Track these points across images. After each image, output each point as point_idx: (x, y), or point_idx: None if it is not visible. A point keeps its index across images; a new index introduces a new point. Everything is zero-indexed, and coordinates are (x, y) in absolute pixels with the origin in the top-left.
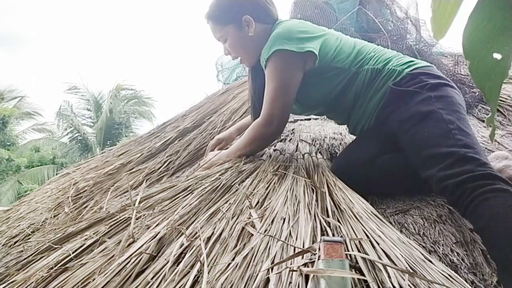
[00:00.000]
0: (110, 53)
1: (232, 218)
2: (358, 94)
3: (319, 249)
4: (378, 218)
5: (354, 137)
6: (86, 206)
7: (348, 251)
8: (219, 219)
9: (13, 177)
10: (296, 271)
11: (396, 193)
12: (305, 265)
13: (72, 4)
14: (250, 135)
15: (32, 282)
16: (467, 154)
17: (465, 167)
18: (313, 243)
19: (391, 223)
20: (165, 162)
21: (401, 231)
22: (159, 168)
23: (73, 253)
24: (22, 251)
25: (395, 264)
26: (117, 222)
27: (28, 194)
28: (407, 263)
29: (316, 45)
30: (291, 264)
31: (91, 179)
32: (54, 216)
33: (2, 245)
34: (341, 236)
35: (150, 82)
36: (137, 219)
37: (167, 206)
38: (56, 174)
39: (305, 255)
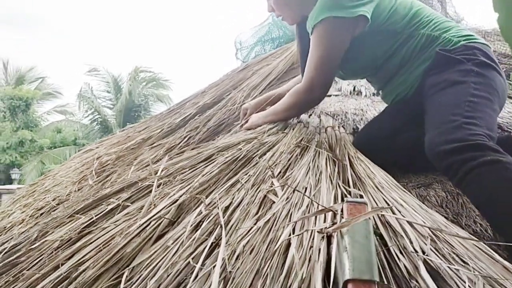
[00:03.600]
0: (129, 34)
1: (252, 187)
2: (406, 59)
3: (342, 210)
4: (400, 188)
5: (375, 113)
6: (109, 179)
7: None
8: (238, 190)
9: (37, 157)
10: (319, 232)
11: (417, 171)
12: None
13: None
14: (290, 100)
15: (57, 242)
16: (464, 123)
17: (456, 135)
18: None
19: (411, 193)
20: (185, 137)
21: (423, 203)
22: (179, 143)
23: (96, 216)
24: (49, 220)
25: (418, 231)
26: (139, 189)
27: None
28: (430, 230)
29: (369, 9)
30: (312, 226)
31: (114, 153)
32: (79, 189)
33: (30, 217)
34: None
35: (168, 64)
36: (158, 186)
37: (187, 176)
38: None
39: (327, 220)
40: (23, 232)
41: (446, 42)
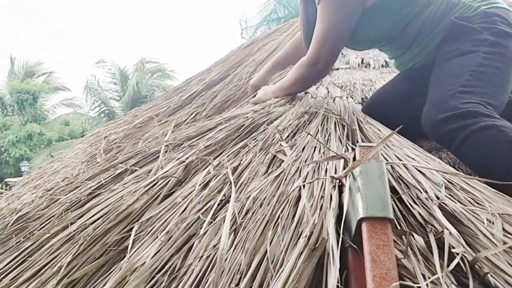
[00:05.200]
0: (133, 25)
1: (261, 151)
2: (424, 28)
3: (355, 157)
4: (411, 145)
5: (384, 83)
6: (118, 158)
7: None
8: (246, 152)
9: (45, 150)
10: (332, 177)
11: (428, 137)
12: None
13: None
14: (295, 74)
15: (66, 204)
16: (458, 92)
17: (448, 105)
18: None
19: None
20: (192, 113)
21: None
22: (186, 120)
23: (104, 180)
24: (59, 198)
25: (431, 180)
26: (147, 155)
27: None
28: (444, 178)
29: None
30: (324, 176)
31: (121, 132)
32: (87, 169)
33: (39, 197)
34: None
35: (173, 54)
36: (165, 152)
37: (194, 142)
38: None
39: (338, 170)
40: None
41: (466, 8)
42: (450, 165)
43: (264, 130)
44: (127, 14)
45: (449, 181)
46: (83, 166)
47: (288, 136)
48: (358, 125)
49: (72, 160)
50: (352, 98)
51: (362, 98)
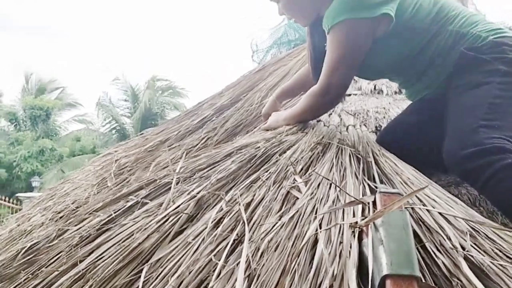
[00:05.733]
0: (145, 43)
1: (274, 184)
2: (433, 58)
3: (374, 202)
4: (431, 184)
5: (398, 111)
6: (128, 181)
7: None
8: (259, 186)
9: (57, 166)
10: (351, 225)
11: (446, 171)
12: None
13: None
14: (306, 102)
15: (75, 239)
16: (480, 126)
17: (471, 140)
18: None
19: None
20: (203, 138)
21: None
22: (197, 144)
23: (114, 213)
24: (68, 221)
25: (455, 226)
26: (158, 186)
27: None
28: (468, 224)
29: (393, 7)
30: (341, 221)
31: (132, 155)
32: (98, 192)
33: (49, 220)
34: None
35: (183, 72)
36: (176, 184)
37: (206, 173)
38: None
39: (356, 214)
40: (42, 234)
41: (474, 39)
42: (471, 202)
43: (276, 161)
44: (140, 32)
45: (473, 228)
46: (93, 189)
47: (301, 169)
48: (374, 157)
49: (83, 182)
50: (365, 126)
51: (376, 127)
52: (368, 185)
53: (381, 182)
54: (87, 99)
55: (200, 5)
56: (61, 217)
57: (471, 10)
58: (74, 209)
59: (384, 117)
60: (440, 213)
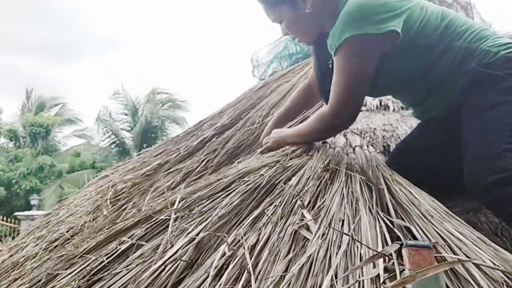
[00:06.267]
0: (144, 55)
1: (280, 220)
2: (443, 76)
3: (402, 256)
4: (452, 217)
5: (406, 129)
6: (124, 208)
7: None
8: (264, 224)
9: (56, 182)
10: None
11: (463, 194)
12: (378, 276)
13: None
14: (315, 124)
15: None
16: (505, 150)
17: (497, 165)
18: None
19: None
20: (203, 161)
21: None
22: (197, 168)
23: (107, 259)
24: (62, 255)
25: (488, 275)
26: (154, 224)
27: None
28: (504, 274)
29: (399, 22)
30: (360, 276)
31: (129, 180)
32: (93, 219)
33: (43, 250)
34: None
35: (185, 85)
36: (174, 220)
37: (206, 207)
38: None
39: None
40: (35, 267)
41: (485, 54)
42: (492, 232)
43: (281, 190)
44: (141, 44)
45: (508, 277)
46: (89, 217)
47: (309, 202)
48: (386, 184)
49: (78, 208)
50: (373, 147)
51: (383, 146)
52: (384, 221)
53: (397, 214)
54: (88, 114)
55: (200, 5)
56: (55, 247)
57: (476, 20)
58: (69, 238)
59: (392, 136)
60: (471, 261)
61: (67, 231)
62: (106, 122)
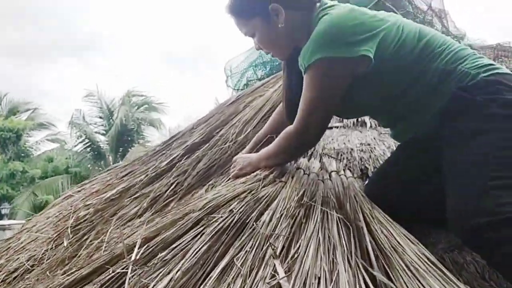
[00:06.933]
0: (122, 57)
1: (251, 273)
2: (420, 98)
3: None
4: (438, 268)
5: (384, 148)
6: (87, 238)
7: None
8: (233, 278)
9: (28, 188)
10: None
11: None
12: None
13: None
14: (282, 144)
15: None
16: (491, 188)
17: (482, 205)
18: None
19: (444, 260)
20: (172, 184)
21: (460, 275)
22: (165, 191)
23: None
24: None
25: None
26: (111, 278)
27: (43, 205)
28: None
29: (372, 46)
30: None
31: (92, 206)
32: (55, 247)
33: (1, 282)
34: None
35: (161, 87)
36: (132, 276)
37: (170, 253)
38: (70, 183)
39: None
40: None
41: (463, 76)
42: (479, 275)
43: (252, 230)
44: (119, 45)
45: None
46: (50, 245)
47: (282, 248)
48: (365, 220)
49: (39, 234)
50: (350, 171)
51: (361, 169)
52: (365, 274)
53: (378, 261)
54: (62, 118)
55: (179, 5)
56: (15, 278)
57: (451, 28)
58: (29, 269)
59: (370, 157)
60: None
61: (27, 260)
62: (79, 125)
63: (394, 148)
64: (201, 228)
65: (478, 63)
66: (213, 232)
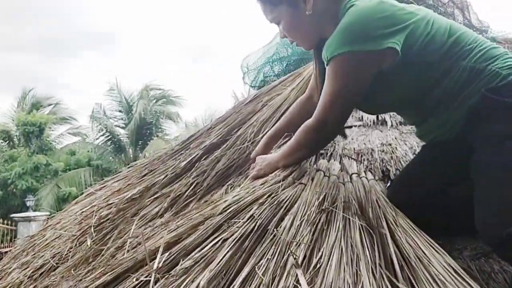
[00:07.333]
0: (142, 51)
1: (272, 283)
2: (447, 95)
3: None
4: (466, 282)
5: (406, 149)
6: (109, 237)
7: None
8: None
9: (52, 181)
10: None
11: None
12: None
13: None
14: (300, 138)
15: None
16: None
17: None
18: None
19: (471, 270)
20: (191, 184)
21: (487, 284)
22: (185, 192)
23: None
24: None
25: None
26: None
27: (67, 197)
28: None
29: (400, 39)
30: None
31: (114, 205)
32: (79, 245)
33: (28, 278)
34: None
35: (179, 79)
36: (155, 283)
37: (190, 260)
38: (93, 176)
39: None
40: None
41: (493, 76)
42: (508, 284)
43: (273, 237)
44: (139, 39)
45: None
46: (74, 242)
47: (304, 257)
48: (388, 227)
49: (62, 232)
50: (371, 173)
51: (382, 171)
52: (389, 285)
53: (403, 272)
54: (83, 112)
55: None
56: (40, 274)
57: (473, 21)
58: (54, 266)
59: (391, 158)
60: None
61: (52, 257)
62: (99, 119)
63: (417, 149)
64: (223, 234)
65: (510, 63)
66: (235, 239)
